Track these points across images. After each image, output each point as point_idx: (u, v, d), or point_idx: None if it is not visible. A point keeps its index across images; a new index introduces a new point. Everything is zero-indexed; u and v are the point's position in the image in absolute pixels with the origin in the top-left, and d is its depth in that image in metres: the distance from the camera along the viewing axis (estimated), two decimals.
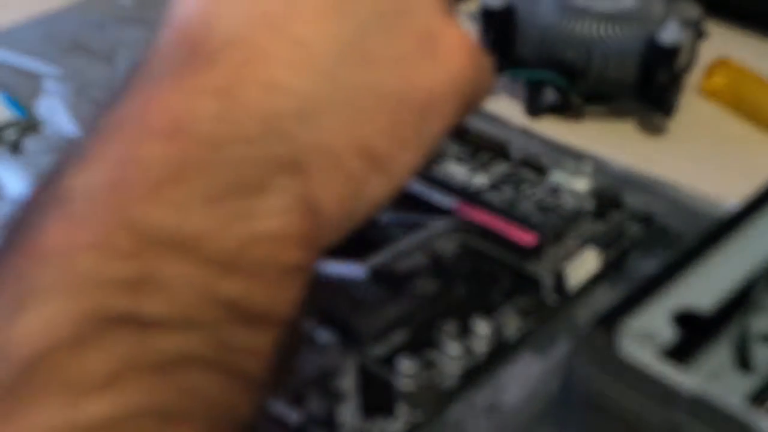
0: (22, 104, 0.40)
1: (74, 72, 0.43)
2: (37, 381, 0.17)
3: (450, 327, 0.28)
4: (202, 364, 0.18)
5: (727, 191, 0.35)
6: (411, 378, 0.26)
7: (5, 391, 0.16)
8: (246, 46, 0.21)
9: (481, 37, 0.41)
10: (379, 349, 0.28)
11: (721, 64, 0.43)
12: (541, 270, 0.31)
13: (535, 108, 0.41)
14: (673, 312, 0.23)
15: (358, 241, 0.30)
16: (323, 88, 0.21)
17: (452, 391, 0.27)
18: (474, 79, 0.24)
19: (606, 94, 0.41)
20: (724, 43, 0.45)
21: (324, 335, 0.28)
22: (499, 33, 0.40)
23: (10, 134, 0.38)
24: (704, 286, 0.24)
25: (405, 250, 0.31)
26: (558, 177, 0.35)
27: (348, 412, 0.26)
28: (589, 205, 0.34)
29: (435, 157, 0.36)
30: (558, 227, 0.32)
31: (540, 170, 0.35)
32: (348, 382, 0.27)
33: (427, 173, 0.35)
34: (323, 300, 0.29)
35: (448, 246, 0.32)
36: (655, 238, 0.33)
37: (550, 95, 0.41)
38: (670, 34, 0.37)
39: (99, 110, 0.20)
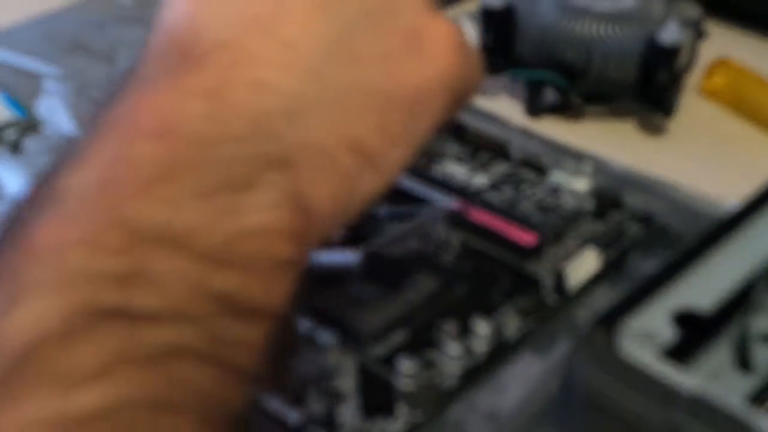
0: (22, 104, 0.40)
1: (74, 72, 0.43)
2: (28, 373, 0.17)
3: (450, 327, 0.28)
4: (194, 356, 0.18)
5: (727, 191, 0.35)
6: (411, 378, 0.26)
7: None
8: (233, 48, 0.21)
9: (481, 37, 0.41)
10: (379, 349, 0.28)
11: (721, 64, 0.43)
12: (541, 270, 0.31)
13: (535, 108, 0.41)
14: (673, 312, 0.23)
15: (354, 235, 0.31)
16: (311, 87, 0.21)
17: (452, 391, 0.27)
18: (461, 75, 0.25)
19: (606, 94, 0.41)
20: (724, 43, 0.45)
21: (324, 335, 0.28)
22: (499, 33, 0.40)
23: (10, 134, 0.38)
24: (704, 286, 0.24)
25: (398, 236, 0.31)
26: (558, 177, 0.35)
27: (348, 412, 0.26)
28: (589, 205, 0.34)
29: (433, 156, 0.36)
30: (558, 227, 0.32)
31: (540, 170, 0.35)
32: (348, 382, 0.27)
33: (427, 173, 0.35)
34: (323, 300, 0.29)
35: (440, 230, 0.32)
36: (655, 238, 0.33)
37: (550, 95, 0.41)
38: (670, 34, 0.37)
39: (95, 111, 0.21)
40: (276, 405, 0.26)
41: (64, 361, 0.17)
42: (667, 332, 0.22)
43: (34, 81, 0.42)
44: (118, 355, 0.17)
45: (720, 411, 0.20)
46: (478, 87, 0.27)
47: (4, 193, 0.35)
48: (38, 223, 0.18)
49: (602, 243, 0.32)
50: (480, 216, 0.32)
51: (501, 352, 0.29)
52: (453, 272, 0.31)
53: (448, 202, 0.33)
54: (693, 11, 0.40)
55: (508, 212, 0.33)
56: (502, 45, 0.40)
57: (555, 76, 0.40)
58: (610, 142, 0.40)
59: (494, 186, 0.35)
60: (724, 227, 0.26)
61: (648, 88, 0.39)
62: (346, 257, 0.30)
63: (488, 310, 0.29)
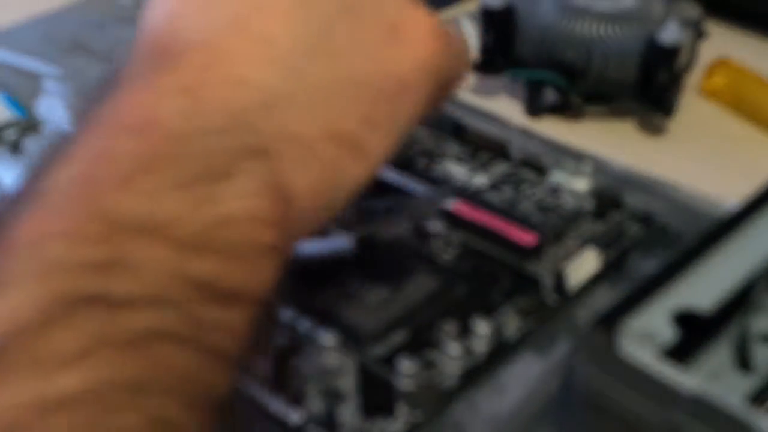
0: (22, 104, 0.40)
1: (74, 72, 0.43)
2: (7, 360, 0.17)
3: (450, 327, 0.28)
4: (174, 340, 0.18)
5: (727, 191, 0.35)
6: (411, 378, 0.26)
7: None
8: (211, 47, 0.21)
9: (481, 37, 0.41)
10: (379, 349, 0.28)
11: (721, 64, 0.43)
12: (541, 270, 0.31)
13: (535, 108, 0.41)
14: (673, 312, 0.23)
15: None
16: (289, 81, 0.22)
17: (452, 391, 0.27)
18: (445, 64, 0.25)
19: (606, 94, 0.41)
20: (724, 43, 0.45)
21: (324, 335, 0.28)
22: (499, 33, 0.40)
23: (10, 134, 0.38)
24: (704, 286, 0.24)
25: (389, 219, 0.31)
26: (558, 177, 0.35)
27: (348, 412, 0.26)
28: (589, 205, 0.34)
29: (433, 156, 0.36)
30: (558, 227, 0.32)
31: (540, 170, 0.35)
32: (348, 382, 0.27)
33: (427, 173, 0.35)
34: (323, 300, 0.29)
35: (430, 213, 0.32)
36: (655, 238, 0.33)
37: (550, 95, 0.41)
38: (670, 34, 0.37)
39: (83, 109, 0.22)
40: (276, 405, 0.26)
41: (43, 346, 0.17)
42: (667, 332, 0.22)
43: (34, 81, 0.42)
44: (97, 340, 0.17)
45: (720, 411, 0.20)
46: (463, 75, 0.27)
47: (4, 193, 0.35)
48: (22, 218, 0.19)
49: (602, 243, 0.32)
50: (480, 216, 0.32)
51: (501, 352, 0.29)
52: (453, 272, 0.31)
53: (449, 204, 0.33)
54: (693, 11, 0.40)
55: (508, 212, 0.33)
56: (502, 45, 0.40)
57: (555, 76, 0.40)
58: (610, 142, 0.40)
59: (494, 186, 0.35)
60: (724, 227, 0.26)
61: (648, 88, 0.39)
62: (339, 243, 0.30)
63: (488, 310, 0.29)
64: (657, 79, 0.38)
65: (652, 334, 0.22)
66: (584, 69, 0.39)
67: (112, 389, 0.17)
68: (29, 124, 0.38)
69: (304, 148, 0.22)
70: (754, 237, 0.26)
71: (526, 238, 0.31)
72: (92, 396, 0.17)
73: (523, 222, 0.32)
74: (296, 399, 0.26)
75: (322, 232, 0.31)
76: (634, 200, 0.34)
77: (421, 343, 0.28)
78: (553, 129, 0.41)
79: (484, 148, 0.37)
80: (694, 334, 0.23)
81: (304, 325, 0.28)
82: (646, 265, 0.32)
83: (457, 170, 0.36)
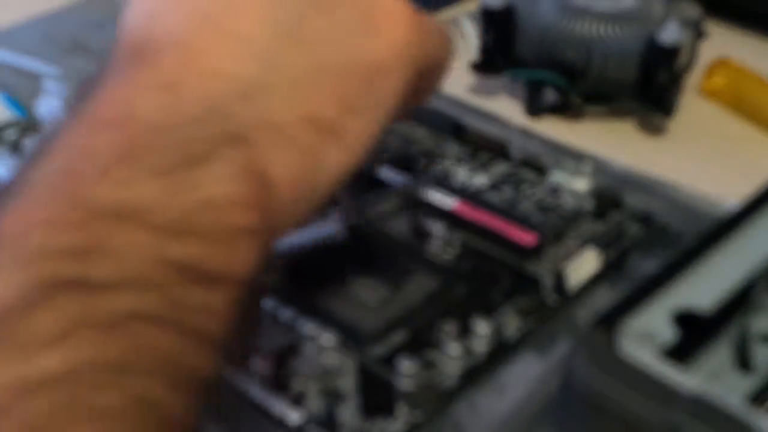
0: (22, 104, 0.40)
1: (74, 72, 0.43)
2: None
3: (450, 327, 0.28)
4: (156, 322, 0.19)
5: (727, 191, 0.35)
6: (411, 378, 0.26)
7: None
8: (186, 44, 0.22)
9: (481, 37, 0.41)
10: (379, 349, 0.28)
11: (721, 64, 0.43)
12: (541, 270, 0.31)
13: (535, 108, 0.41)
14: (673, 312, 0.23)
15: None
16: (264, 71, 0.22)
17: (452, 391, 0.27)
18: (423, 52, 0.25)
19: (606, 94, 0.41)
20: (724, 43, 0.45)
21: (324, 335, 0.28)
22: (499, 33, 0.40)
23: (10, 134, 0.38)
24: (704, 286, 0.24)
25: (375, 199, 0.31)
26: (558, 177, 0.35)
27: (348, 412, 0.26)
28: (589, 205, 0.34)
29: (433, 156, 0.36)
30: (558, 227, 0.32)
31: (540, 170, 0.35)
32: (348, 382, 0.27)
33: (427, 173, 0.35)
34: (323, 300, 0.29)
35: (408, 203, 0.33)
36: (655, 238, 0.33)
37: (550, 95, 0.41)
38: (670, 34, 0.37)
39: (67, 107, 0.22)
40: (276, 405, 0.26)
41: (23, 329, 0.17)
42: (667, 332, 0.22)
43: (34, 81, 0.42)
44: (78, 322, 0.18)
45: (720, 411, 0.20)
46: (446, 64, 0.28)
47: None
48: (6, 211, 0.19)
49: (602, 243, 0.32)
50: (480, 216, 0.32)
51: (501, 352, 0.29)
52: (453, 272, 0.31)
53: (449, 204, 0.33)
54: (693, 11, 0.40)
55: (508, 212, 0.33)
56: (502, 45, 0.40)
57: (555, 76, 0.40)
58: (610, 142, 0.40)
59: (494, 186, 0.35)
60: (724, 227, 0.26)
61: (648, 88, 0.39)
62: (326, 230, 0.30)
63: (488, 310, 0.29)
64: (657, 79, 0.38)
65: (652, 334, 0.22)
66: (584, 69, 0.39)
67: (93, 369, 0.17)
68: (29, 124, 0.38)
69: (282, 134, 0.22)
70: (754, 237, 0.26)
71: (526, 238, 0.31)
72: (74, 376, 0.17)
73: (523, 222, 0.32)
74: (296, 399, 0.26)
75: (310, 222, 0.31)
76: (634, 200, 0.34)
77: (421, 343, 0.28)
78: (553, 129, 0.41)
79: (484, 148, 0.37)
80: (694, 334, 0.23)
81: (304, 325, 0.28)
82: (646, 265, 0.32)
83: (457, 170, 0.36)
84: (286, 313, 0.29)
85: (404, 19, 0.25)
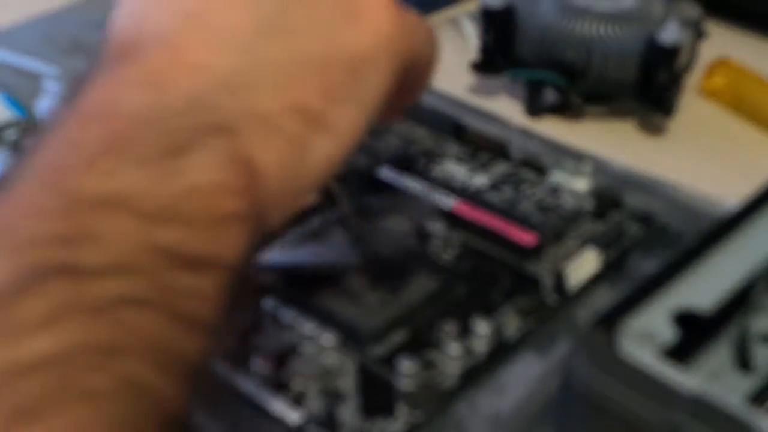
0: (22, 104, 0.40)
1: (74, 72, 0.43)
2: None
3: (450, 327, 0.28)
4: (144, 305, 0.19)
5: (727, 191, 0.35)
6: (411, 378, 0.26)
7: None
8: (169, 41, 0.22)
9: (481, 37, 0.41)
10: (379, 349, 0.28)
11: (721, 64, 0.43)
12: (541, 270, 0.31)
13: (535, 108, 0.41)
14: (673, 312, 0.23)
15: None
16: (247, 63, 0.23)
17: (452, 391, 0.27)
18: (407, 45, 0.26)
19: (606, 94, 0.41)
20: (724, 43, 0.45)
21: (324, 335, 0.28)
22: (499, 33, 0.40)
23: (10, 134, 0.38)
24: (704, 286, 0.24)
25: (389, 219, 0.31)
26: (558, 177, 0.35)
27: (348, 412, 0.26)
28: (589, 205, 0.34)
29: (433, 156, 0.36)
30: (558, 227, 0.32)
31: (540, 170, 0.35)
32: (348, 382, 0.27)
33: (427, 173, 0.35)
34: (323, 300, 0.29)
35: (427, 214, 0.33)
36: (655, 238, 0.33)
37: (550, 95, 0.41)
38: (670, 34, 0.37)
39: (57, 106, 0.23)
40: (276, 405, 0.26)
41: (14, 314, 0.18)
42: (667, 332, 0.22)
43: (34, 81, 0.42)
44: (68, 306, 0.18)
45: (720, 411, 0.20)
46: (433, 60, 0.28)
47: None
48: None
49: (602, 243, 0.32)
50: (480, 216, 0.32)
51: (501, 352, 0.29)
52: (453, 272, 0.31)
53: (449, 204, 0.33)
54: (693, 11, 0.40)
55: (508, 212, 0.33)
56: (502, 45, 0.40)
57: (555, 76, 0.40)
58: (610, 142, 0.40)
59: (494, 186, 0.35)
60: (724, 227, 0.26)
61: (648, 88, 0.39)
62: (343, 255, 0.30)
63: (488, 310, 0.29)
64: (657, 79, 0.38)
65: (652, 334, 0.22)
66: (584, 69, 0.39)
67: (83, 352, 0.18)
68: (29, 124, 0.38)
69: (267, 124, 0.22)
70: (754, 237, 0.26)
71: (526, 238, 0.31)
72: (63, 359, 0.17)
73: (523, 222, 0.32)
74: (296, 399, 0.26)
75: (322, 237, 0.31)
76: (634, 200, 0.34)
77: (421, 343, 0.28)
78: (553, 129, 0.41)
79: (484, 148, 0.37)
80: (694, 334, 0.23)
81: (304, 325, 0.28)
82: (646, 265, 0.32)
83: (457, 170, 0.36)
84: (286, 313, 0.29)
85: (386, 11, 0.25)
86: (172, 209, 0.20)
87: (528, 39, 0.40)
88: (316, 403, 0.26)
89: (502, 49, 0.41)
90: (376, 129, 0.37)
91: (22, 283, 0.18)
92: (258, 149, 0.22)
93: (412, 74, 0.27)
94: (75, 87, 0.22)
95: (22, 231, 0.19)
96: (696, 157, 0.39)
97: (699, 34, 0.40)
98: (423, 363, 0.27)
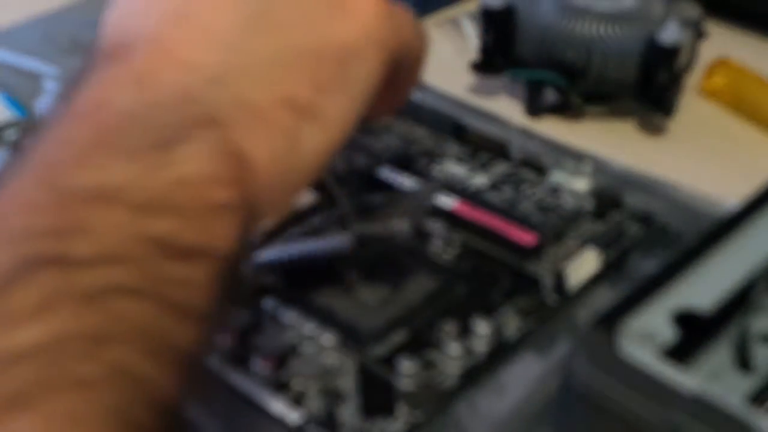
0: (22, 104, 0.40)
1: (74, 72, 0.43)
2: None
3: (450, 327, 0.28)
4: (134, 294, 0.19)
5: (727, 191, 0.35)
6: (411, 378, 0.26)
7: None
8: (156, 40, 0.23)
9: (481, 37, 0.41)
10: (379, 349, 0.28)
11: (721, 64, 0.43)
12: (541, 270, 0.31)
13: (535, 108, 0.41)
14: (673, 312, 0.23)
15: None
16: (235, 57, 0.23)
17: (452, 391, 0.27)
18: (392, 33, 0.26)
19: (606, 94, 0.41)
20: (724, 43, 0.45)
21: (324, 335, 0.28)
22: (499, 33, 0.40)
23: (10, 134, 0.38)
24: (704, 286, 0.24)
25: (386, 217, 0.31)
26: (558, 177, 0.35)
27: (348, 412, 0.26)
28: (589, 205, 0.34)
29: (433, 156, 0.36)
30: (558, 227, 0.32)
31: (540, 170, 0.35)
32: (348, 382, 0.27)
33: (427, 173, 0.35)
34: (323, 300, 0.29)
35: (422, 209, 0.33)
36: (655, 238, 0.33)
37: (550, 95, 0.41)
38: (670, 34, 0.37)
39: (50, 106, 0.23)
40: (276, 405, 0.26)
41: (5, 303, 0.18)
42: (667, 332, 0.22)
43: (34, 81, 0.42)
44: (58, 296, 0.18)
45: (720, 411, 0.20)
46: (422, 55, 0.28)
47: None
48: None
49: (602, 243, 0.32)
50: (480, 216, 0.32)
51: (501, 352, 0.29)
52: (453, 272, 0.31)
53: (449, 204, 0.33)
54: (693, 11, 0.40)
55: (508, 212, 0.33)
56: (502, 45, 0.40)
57: (555, 76, 0.40)
58: (610, 142, 0.40)
59: (494, 186, 0.35)
60: (724, 227, 0.26)
61: (648, 88, 0.39)
62: (337, 241, 0.30)
63: (488, 310, 0.29)
64: (657, 79, 0.38)
65: (652, 334, 0.22)
66: (584, 69, 0.39)
67: (74, 340, 0.18)
68: (29, 124, 0.38)
69: (257, 115, 0.23)
70: (754, 237, 0.26)
71: (526, 238, 0.31)
72: (55, 347, 0.17)
73: (523, 222, 0.32)
74: (296, 399, 0.26)
75: (319, 231, 0.31)
76: (634, 200, 0.34)
77: (421, 343, 0.28)
78: (553, 129, 0.41)
79: (484, 148, 0.37)
80: (694, 334, 0.23)
81: (304, 325, 0.28)
82: (646, 265, 0.32)
83: (457, 170, 0.36)
84: (286, 313, 0.29)
85: (372, 3, 0.25)
86: (163, 200, 0.20)
87: (528, 39, 0.40)
88: (316, 403, 0.26)
89: (502, 49, 0.41)
90: (376, 129, 0.37)
91: (13, 274, 0.18)
92: (248, 141, 0.22)
93: (402, 68, 0.27)
94: (69, 87, 0.23)
95: (15, 225, 0.19)
96: (696, 157, 0.39)
97: (699, 34, 0.40)
98: (423, 363, 0.27)
